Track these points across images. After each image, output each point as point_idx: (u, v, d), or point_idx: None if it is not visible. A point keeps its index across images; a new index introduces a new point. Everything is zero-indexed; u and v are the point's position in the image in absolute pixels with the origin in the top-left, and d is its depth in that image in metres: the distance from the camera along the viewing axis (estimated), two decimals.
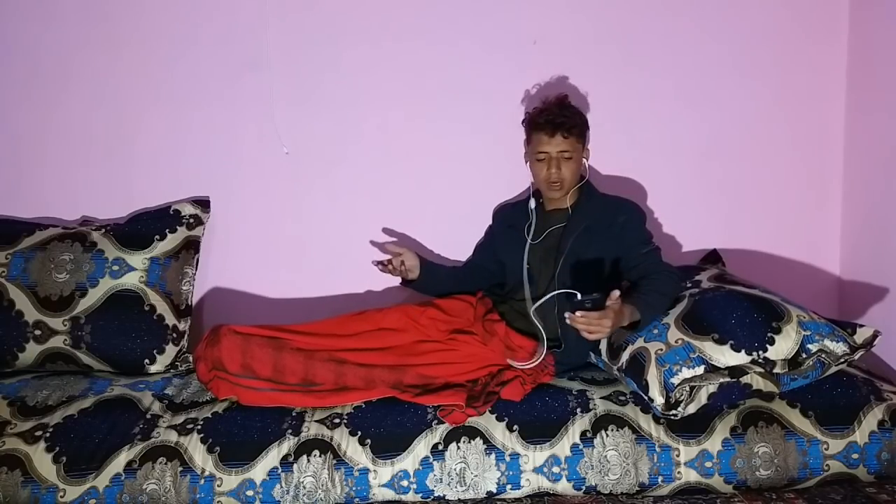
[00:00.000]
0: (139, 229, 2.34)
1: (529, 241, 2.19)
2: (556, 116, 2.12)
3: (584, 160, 2.22)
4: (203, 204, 2.44)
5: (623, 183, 2.50)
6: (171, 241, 2.33)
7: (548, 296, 2.05)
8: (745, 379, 1.81)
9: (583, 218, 2.16)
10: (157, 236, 2.32)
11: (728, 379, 1.80)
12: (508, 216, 2.33)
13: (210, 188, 2.49)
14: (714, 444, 1.84)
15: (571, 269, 2.12)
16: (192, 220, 2.38)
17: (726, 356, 1.81)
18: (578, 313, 1.81)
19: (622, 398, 1.95)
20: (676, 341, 1.86)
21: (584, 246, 2.12)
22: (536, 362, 2.04)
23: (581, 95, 2.46)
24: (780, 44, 2.48)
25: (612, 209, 2.17)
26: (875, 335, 1.88)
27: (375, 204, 2.53)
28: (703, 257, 2.49)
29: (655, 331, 1.92)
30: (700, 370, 1.81)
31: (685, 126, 2.51)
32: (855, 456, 1.85)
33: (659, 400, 1.81)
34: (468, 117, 2.48)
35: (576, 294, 1.85)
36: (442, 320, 2.14)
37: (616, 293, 1.85)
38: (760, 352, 1.81)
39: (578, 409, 1.90)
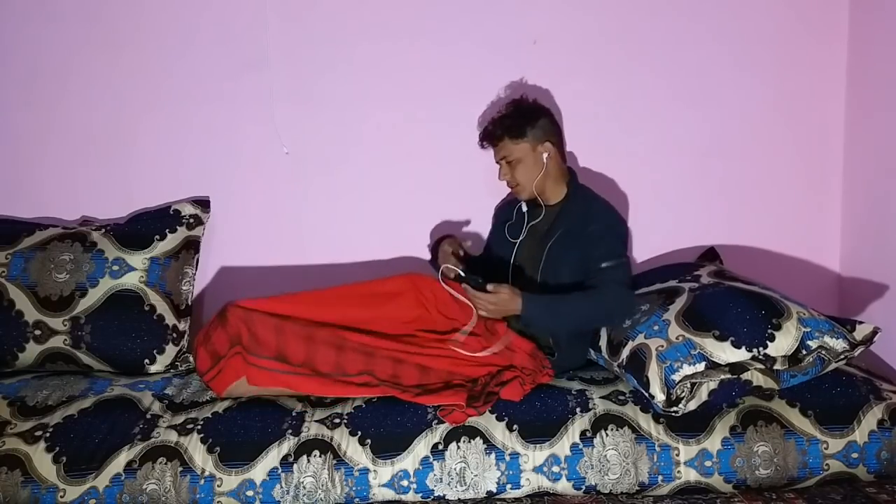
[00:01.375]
0: (139, 229, 2.34)
1: (510, 238, 2.22)
2: (488, 125, 2.17)
3: (544, 154, 2.13)
4: (203, 204, 2.43)
5: (624, 183, 2.50)
6: (171, 241, 2.33)
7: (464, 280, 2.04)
8: (745, 375, 1.82)
9: (566, 219, 2.15)
10: (157, 236, 2.32)
11: (729, 375, 1.80)
12: (504, 212, 2.33)
13: (210, 188, 2.49)
14: (714, 443, 1.84)
15: (553, 269, 2.11)
16: (192, 220, 2.38)
17: (727, 353, 1.82)
18: (464, 285, 1.99)
19: (622, 398, 1.95)
20: (677, 338, 1.86)
21: (563, 248, 2.11)
22: (498, 348, 2.04)
23: (581, 95, 2.46)
24: (780, 44, 2.48)
25: (589, 217, 2.12)
26: (874, 332, 1.88)
27: (375, 204, 2.52)
28: (701, 255, 2.48)
29: (656, 327, 1.92)
30: (701, 367, 1.81)
31: (685, 126, 2.51)
32: (855, 455, 1.85)
33: (660, 396, 1.81)
34: (468, 117, 2.47)
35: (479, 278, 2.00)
36: (443, 301, 2.09)
37: (495, 286, 1.96)
38: (761, 348, 1.81)
39: (578, 409, 1.90)
